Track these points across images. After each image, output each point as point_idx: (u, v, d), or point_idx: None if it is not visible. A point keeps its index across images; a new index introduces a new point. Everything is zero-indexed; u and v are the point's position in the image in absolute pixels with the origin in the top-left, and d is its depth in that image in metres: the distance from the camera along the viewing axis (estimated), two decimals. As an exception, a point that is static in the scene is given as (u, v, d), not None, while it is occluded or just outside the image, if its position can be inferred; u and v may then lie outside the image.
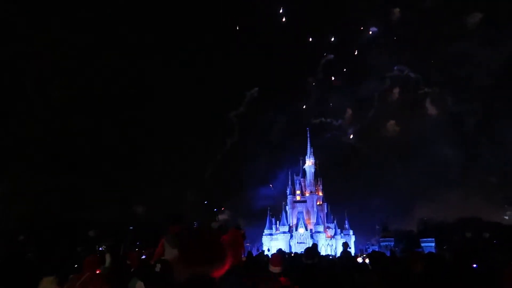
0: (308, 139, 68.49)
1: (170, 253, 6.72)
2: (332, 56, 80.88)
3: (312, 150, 68.18)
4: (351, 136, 77.69)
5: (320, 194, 67.65)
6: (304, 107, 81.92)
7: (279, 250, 15.50)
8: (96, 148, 64.05)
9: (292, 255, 16.39)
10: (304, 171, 68.39)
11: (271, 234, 64.23)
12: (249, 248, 53.64)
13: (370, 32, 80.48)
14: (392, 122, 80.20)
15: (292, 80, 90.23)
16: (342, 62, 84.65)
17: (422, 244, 55.53)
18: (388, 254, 16.14)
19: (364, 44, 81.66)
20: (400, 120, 79.15)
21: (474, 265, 9.08)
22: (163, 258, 6.37)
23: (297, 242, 60.38)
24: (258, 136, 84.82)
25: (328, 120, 79.29)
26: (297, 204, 66.42)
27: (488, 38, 70.07)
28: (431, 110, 79.41)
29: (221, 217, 68.57)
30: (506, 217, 60.15)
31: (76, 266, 9.79)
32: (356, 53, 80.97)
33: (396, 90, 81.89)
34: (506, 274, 5.21)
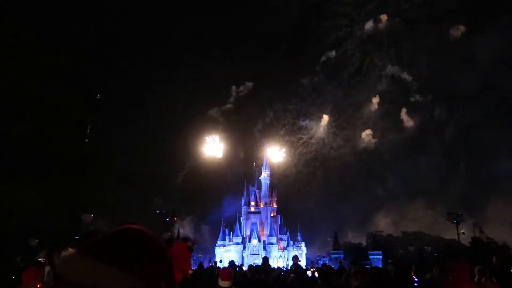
0: (265, 150, 69.14)
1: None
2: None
3: (267, 161, 68.85)
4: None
5: (275, 205, 68.28)
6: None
7: (231, 263, 15.42)
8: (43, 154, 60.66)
9: (244, 270, 16.38)
10: (259, 182, 68.80)
11: (224, 245, 63.70)
12: (201, 259, 52.85)
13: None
14: (367, 132, 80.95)
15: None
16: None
17: (370, 257, 57.46)
18: (337, 266, 16.55)
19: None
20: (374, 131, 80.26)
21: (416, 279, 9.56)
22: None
23: (250, 254, 60.29)
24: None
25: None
26: (251, 215, 66.55)
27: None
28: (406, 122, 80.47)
29: (176, 226, 67.26)
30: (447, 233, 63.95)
31: (13, 277, 9.15)
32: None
33: (375, 100, 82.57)
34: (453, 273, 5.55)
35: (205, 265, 33.91)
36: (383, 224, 71.28)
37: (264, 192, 67.86)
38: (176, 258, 5.80)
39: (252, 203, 67.69)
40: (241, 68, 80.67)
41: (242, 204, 67.58)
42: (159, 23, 78.74)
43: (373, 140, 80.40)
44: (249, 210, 67.06)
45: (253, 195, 68.14)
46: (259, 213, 66.46)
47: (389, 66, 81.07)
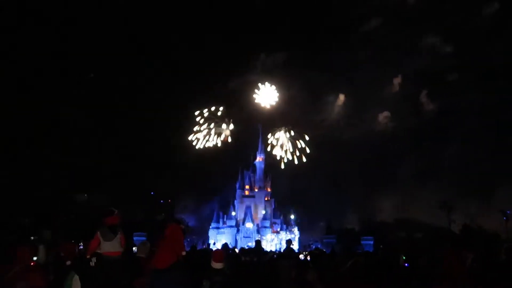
0: (260, 134, 68.85)
1: (105, 246, 6.52)
2: None
3: (263, 146, 68.77)
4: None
5: (269, 190, 68.64)
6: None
7: (224, 245, 15.55)
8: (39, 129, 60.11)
9: (236, 251, 16.51)
10: (254, 166, 68.96)
11: (218, 228, 64.25)
12: (195, 241, 53.37)
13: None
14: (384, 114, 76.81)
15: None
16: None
17: (362, 242, 58.32)
18: (329, 251, 16.76)
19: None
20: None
21: (406, 264, 9.71)
22: (98, 251, 6.16)
23: (243, 237, 60.96)
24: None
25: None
26: (246, 199, 66.93)
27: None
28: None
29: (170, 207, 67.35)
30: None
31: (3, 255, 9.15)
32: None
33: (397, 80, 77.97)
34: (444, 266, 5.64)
35: (199, 247, 34.30)
36: (380, 210, 71.29)
37: (259, 176, 68.11)
38: (170, 240, 5.81)
39: (247, 186, 68.03)
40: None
41: (237, 187, 67.91)
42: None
43: (390, 123, 76.05)
44: (243, 194, 67.44)
45: (247, 179, 68.42)
46: (253, 196, 66.88)
47: (427, 36, 75.37)
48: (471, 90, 69.57)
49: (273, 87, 61.22)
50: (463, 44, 72.89)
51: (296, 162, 60.23)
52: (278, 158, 60.96)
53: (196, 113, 59.26)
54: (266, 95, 61.31)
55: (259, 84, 61.42)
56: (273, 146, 61.21)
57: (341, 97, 77.85)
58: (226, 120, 60.21)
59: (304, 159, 60.37)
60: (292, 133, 60.89)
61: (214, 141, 60.12)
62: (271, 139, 61.37)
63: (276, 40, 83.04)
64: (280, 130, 61.22)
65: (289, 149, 60.81)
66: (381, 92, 79.83)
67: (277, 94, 61.11)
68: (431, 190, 63.38)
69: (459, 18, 72.14)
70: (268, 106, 61.10)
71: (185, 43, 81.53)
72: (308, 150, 60.24)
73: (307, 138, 60.54)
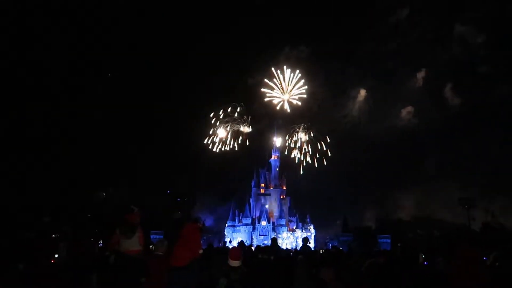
0: (275, 132, 68.63)
1: (125, 244, 6.56)
2: None
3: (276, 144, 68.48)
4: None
5: (284, 188, 68.50)
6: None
7: (240, 243, 15.58)
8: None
9: (252, 249, 16.50)
10: (269, 165, 68.91)
11: (233, 226, 64.51)
12: (211, 239, 53.74)
13: None
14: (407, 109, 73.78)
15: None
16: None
17: (379, 240, 57.72)
18: (346, 249, 16.63)
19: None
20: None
21: (425, 263, 9.53)
22: (116, 249, 6.20)
23: (259, 235, 61.07)
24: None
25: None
26: (261, 197, 66.99)
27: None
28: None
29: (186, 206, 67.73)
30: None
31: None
32: None
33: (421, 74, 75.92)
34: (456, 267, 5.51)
35: (215, 245, 34.45)
36: (399, 208, 69.93)
37: (274, 175, 68.06)
38: (187, 238, 5.86)
39: (262, 185, 68.07)
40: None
41: (252, 186, 68.01)
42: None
43: (413, 119, 73.35)
44: (258, 192, 67.52)
45: (262, 177, 68.47)
46: (268, 195, 66.90)
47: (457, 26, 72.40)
48: (502, 83, 67.52)
49: (299, 76, 57.40)
50: (496, 34, 70.36)
51: (316, 165, 58.07)
52: (296, 161, 58.72)
53: (211, 114, 58.40)
54: (290, 89, 57.86)
55: (285, 72, 57.55)
56: (291, 149, 59.40)
57: (362, 92, 75.35)
58: (245, 117, 58.79)
59: (325, 162, 58.33)
60: (312, 134, 58.94)
61: (230, 145, 59.02)
62: (289, 140, 59.46)
63: (301, 32, 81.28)
64: (299, 131, 59.27)
65: (308, 152, 58.79)
66: (405, 86, 77.85)
67: (305, 87, 57.61)
68: (451, 187, 61.91)
69: (492, 7, 69.66)
70: (290, 102, 58.05)
71: (207, 37, 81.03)
72: (329, 153, 58.08)
73: (328, 139, 58.41)
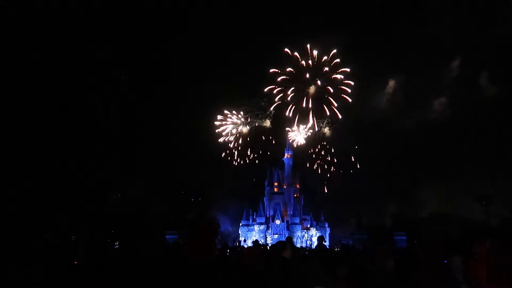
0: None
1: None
2: None
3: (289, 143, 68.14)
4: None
5: (298, 186, 68.32)
6: None
7: (255, 242, 15.59)
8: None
9: (268, 248, 16.50)
10: (282, 163, 68.80)
11: (247, 225, 64.63)
12: (226, 239, 53.93)
13: None
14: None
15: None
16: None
17: (395, 238, 56.99)
18: (361, 247, 16.49)
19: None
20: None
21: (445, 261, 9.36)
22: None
23: (273, 233, 61.08)
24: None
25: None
26: (275, 196, 66.96)
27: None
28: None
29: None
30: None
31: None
32: None
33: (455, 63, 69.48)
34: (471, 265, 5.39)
35: (229, 245, 34.56)
36: (418, 204, 68.36)
37: (287, 173, 67.91)
38: (202, 238, 5.87)
39: (275, 183, 68.02)
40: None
41: (265, 185, 68.02)
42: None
43: (446, 111, 68.13)
44: (272, 191, 67.50)
45: (276, 176, 68.41)
46: (282, 193, 66.83)
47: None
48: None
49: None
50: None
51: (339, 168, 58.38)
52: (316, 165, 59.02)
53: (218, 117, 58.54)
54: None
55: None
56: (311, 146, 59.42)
57: (391, 83, 70.24)
58: (268, 111, 58.06)
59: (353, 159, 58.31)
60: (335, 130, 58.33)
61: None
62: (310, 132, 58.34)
63: (336, 18, 78.46)
64: (322, 126, 58.46)
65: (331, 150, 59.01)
66: (438, 76, 73.04)
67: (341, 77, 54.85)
68: (472, 183, 60.15)
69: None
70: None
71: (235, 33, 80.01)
72: (358, 166, 58.20)
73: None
